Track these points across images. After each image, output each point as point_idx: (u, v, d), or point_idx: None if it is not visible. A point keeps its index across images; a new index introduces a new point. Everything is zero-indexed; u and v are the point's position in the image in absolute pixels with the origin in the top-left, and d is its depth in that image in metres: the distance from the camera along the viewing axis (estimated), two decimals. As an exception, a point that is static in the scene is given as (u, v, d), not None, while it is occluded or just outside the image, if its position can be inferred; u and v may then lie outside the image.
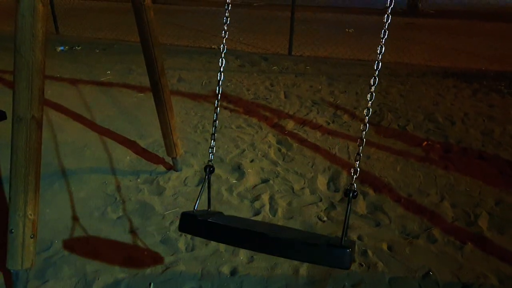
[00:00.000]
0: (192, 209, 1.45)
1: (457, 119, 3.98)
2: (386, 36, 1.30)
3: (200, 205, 1.48)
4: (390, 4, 1.29)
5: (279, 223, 2.36)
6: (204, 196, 1.51)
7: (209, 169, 1.52)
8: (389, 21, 1.30)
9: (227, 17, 1.54)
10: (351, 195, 1.29)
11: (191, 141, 3.45)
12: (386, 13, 1.28)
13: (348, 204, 1.29)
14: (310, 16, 10.72)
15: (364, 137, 1.33)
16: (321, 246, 1.24)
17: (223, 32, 1.56)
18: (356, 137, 3.55)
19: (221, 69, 1.55)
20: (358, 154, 1.34)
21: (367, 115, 1.34)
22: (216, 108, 1.56)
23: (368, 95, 1.34)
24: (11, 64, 1.69)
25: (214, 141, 1.60)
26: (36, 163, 1.74)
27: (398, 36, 8.43)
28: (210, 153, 1.58)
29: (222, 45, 1.56)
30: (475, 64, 6.28)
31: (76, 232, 2.27)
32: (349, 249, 1.21)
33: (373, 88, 1.31)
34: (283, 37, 7.52)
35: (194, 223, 1.37)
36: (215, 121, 1.58)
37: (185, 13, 12.02)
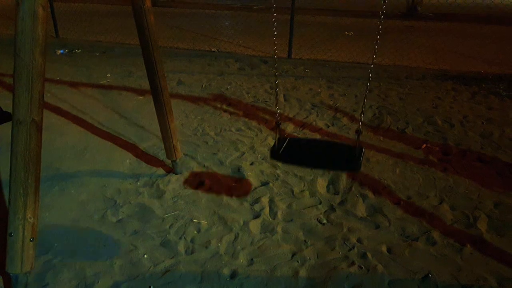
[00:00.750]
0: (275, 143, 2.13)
1: (456, 121, 3.99)
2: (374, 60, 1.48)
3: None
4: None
5: (279, 226, 2.37)
6: None
7: (278, 123, 2.16)
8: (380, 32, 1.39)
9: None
10: (359, 134, 1.96)
11: (191, 144, 3.46)
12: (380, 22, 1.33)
13: (358, 138, 1.96)
14: (310, 19, 10.75)
15: (360, 139, 1.49)
16: (342, 161, 2.01)
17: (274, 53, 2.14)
18: (355, 139, 3.55)
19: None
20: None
21: (359, 126, 1.58)
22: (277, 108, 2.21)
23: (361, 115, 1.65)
24: (11, 68, 1.69)
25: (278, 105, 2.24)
26: (35, 166, 1.74)
27: (397, 39, 8.46)
28: (277, 112, 2.19)
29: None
30: (474, 67, 6.30)
31: (76, 235, 2.27)
32: (359, 160, 1.92)
33: (363, 107, 1.67)
34: (282, 40, 7.55)
35: (277, 154, 2.08)
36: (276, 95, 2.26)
37: (184, 16, 12.05)
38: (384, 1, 1.38)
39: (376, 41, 1.36)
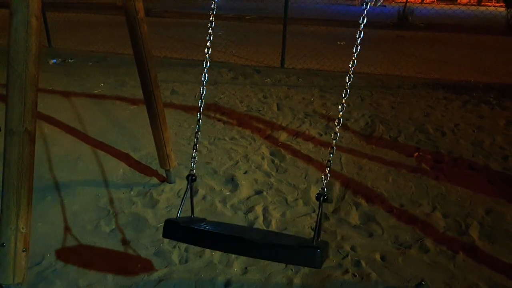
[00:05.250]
0: (175, 217, 1.54)
1: (447, 130, 4.04)
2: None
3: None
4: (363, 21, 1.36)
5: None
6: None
7: (191, 177, 1.62)
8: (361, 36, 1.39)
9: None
10: (321, 199, 1.36)
11: (184, 153, 3.46)
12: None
13: (319, 207, 1.35)
14: (302, 29, 10.86)
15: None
16: (293, 247, 1.30)
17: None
18: (348, 148, 3.58)
19: None
20: (329, 160, 1.46)
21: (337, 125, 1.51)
22: None
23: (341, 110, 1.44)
24: (4, 77, 1.70)
25: (196, 150, 1.66)
26: (28, 176, 1.74)
27: (389, 49, 8.57)
28: (192, 162, 1.65)
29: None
30: (465, 76, 6.40)
31: (69, 245, 2.25)
32: (319, 249, 1.26)
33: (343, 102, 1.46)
34: (275, 49, 7.61)
35: (176, 230, 1.46)
36: None
37: (178, 26, 12.11)
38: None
39: (356, 46, 1.39)
